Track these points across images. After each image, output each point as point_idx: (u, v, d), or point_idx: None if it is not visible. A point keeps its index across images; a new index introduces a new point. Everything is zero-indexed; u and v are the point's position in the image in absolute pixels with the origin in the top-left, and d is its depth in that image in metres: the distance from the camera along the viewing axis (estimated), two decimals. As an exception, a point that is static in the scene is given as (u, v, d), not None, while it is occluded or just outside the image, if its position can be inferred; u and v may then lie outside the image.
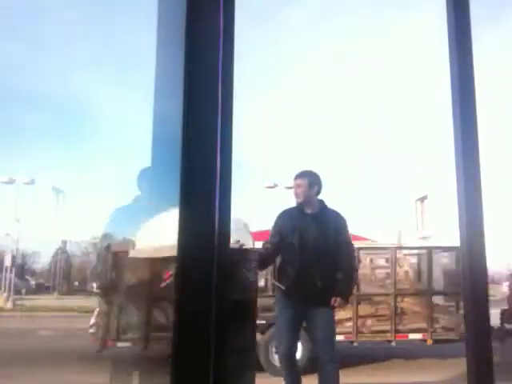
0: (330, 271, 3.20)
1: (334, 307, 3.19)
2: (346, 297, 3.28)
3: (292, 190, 3.45)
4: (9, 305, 18.61)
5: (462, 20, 1.65)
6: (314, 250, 3.16)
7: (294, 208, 3.42)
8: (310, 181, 3.34)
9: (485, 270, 1.54)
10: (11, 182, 21.89)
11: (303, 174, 3.38)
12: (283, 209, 3.45)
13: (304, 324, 3.28)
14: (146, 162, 1.41)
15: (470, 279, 1.52)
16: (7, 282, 21.06)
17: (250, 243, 3.03)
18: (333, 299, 3.17)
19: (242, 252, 3.20)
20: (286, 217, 3.36)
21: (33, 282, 28.10)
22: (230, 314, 1.23)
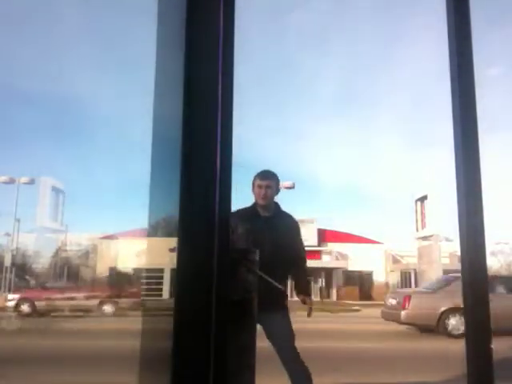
0: (285, 275, 3.21)
1: (304, 303, 3.24)
2: (309, 293, 3.36)
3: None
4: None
5: (462, 21, 1.65)
6: (270, 254, 2.99)
7: (247, 209, 3.26)
8: (277, 182, 3.26)
9: (485, 269, 1.54)
10: (11, 182, 21.92)
11: (272, 174, 3.25)
12: (236, 209, 3.25)
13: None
14: (146, 161, 1.41)
15: (470, 279, 1.52)
16: (7, 282, 21.06)
17: None
18: (301, 298, 3.22)
19: (242, 252, 3.20)
20: (239, 219, 3.16)
21: (33, 282, 28.11)
22: (229, 313, 1.23)
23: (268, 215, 3.22)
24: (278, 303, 3.11)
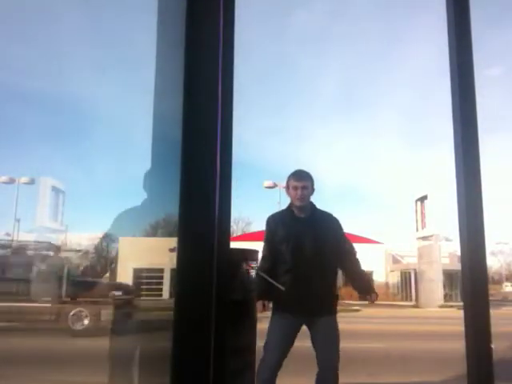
0: (331, 277, 3.11)
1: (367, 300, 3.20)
2: (372, 290, 3.25)
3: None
4: (9, 305, 18.58)
5: (462, 20, 1.65)
6: (312, 257, 3.01)
7: (284, 212, 3.20)
8: (312, 181, 3.17)
9: (485, 270, 1.54)
10: (11, 182, 21.92)
11: (307, 175, 3.16)
12: (272, 214, 3.22)
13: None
14: (146, 161, 1.41)
15: (470, 279, 1.52)
16: (7, 282, 21.03)
17: None
18: (363, 297, 3.18)
19: (242, 252, 3.19)
20: (277, 224, 3.13)
21: (33, 282, 28.10)
22: (229, 313, 1.23)
23: (305, 216, 3.11)
24: (324, 308, 3.05)
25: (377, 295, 3.21)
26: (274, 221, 3.17)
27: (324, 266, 3.05)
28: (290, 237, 3.06)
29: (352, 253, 3.27)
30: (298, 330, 3.06)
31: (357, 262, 3.28)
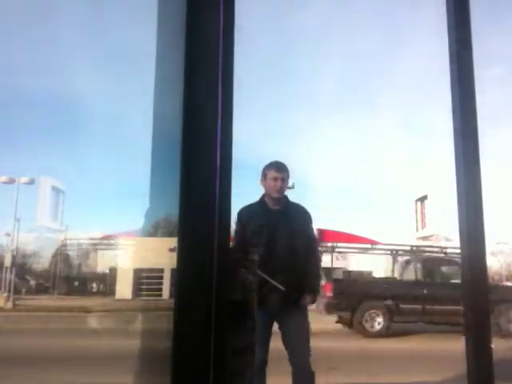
0: (301, 269, 3.05)
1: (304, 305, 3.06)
2: (315, 294, 3.14)
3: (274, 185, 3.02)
4: (9, 305, 18.60)
5: (462, 20, 1.65)
6: (284, 249, 2.97)
7: (256, 204, 3.12)
8: (289, 174, 3.11)
9: (485, 269, 1.54)
10: (11, 182, 21.91)
11: (284, 167, 3.08)
12: (243, 207, 3.13)
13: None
14: (146, 161, 1.41)
15: (470, 279, 1.52)
16: (7, 282, 21.05)
17: None
18: (302, 297, 3.04)
19: (242, 252, 3.18)
20: (250, 215, 3.07)
21: (33, 282, 28.15)
22: (229, 313, 1.23)
23: (279, 208, 3.06)
24: (296, 301, 3.00)
25: (314, 302, 3.10)
26: (247, 213, 3.09)
27: (296, 258, 3.01)
28: (263, 229, 2.99)
29: (317, 249, 3.28)
30: (271, 323, 3.00)
31: (319, 260, 3.30)
